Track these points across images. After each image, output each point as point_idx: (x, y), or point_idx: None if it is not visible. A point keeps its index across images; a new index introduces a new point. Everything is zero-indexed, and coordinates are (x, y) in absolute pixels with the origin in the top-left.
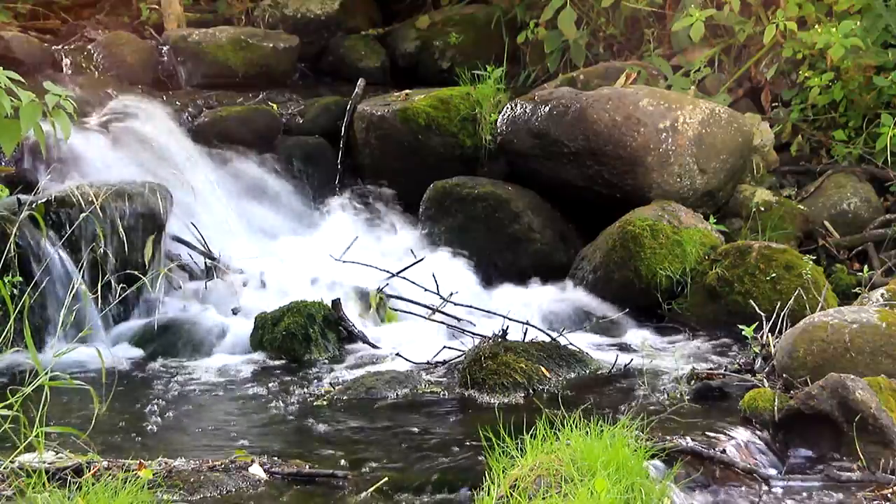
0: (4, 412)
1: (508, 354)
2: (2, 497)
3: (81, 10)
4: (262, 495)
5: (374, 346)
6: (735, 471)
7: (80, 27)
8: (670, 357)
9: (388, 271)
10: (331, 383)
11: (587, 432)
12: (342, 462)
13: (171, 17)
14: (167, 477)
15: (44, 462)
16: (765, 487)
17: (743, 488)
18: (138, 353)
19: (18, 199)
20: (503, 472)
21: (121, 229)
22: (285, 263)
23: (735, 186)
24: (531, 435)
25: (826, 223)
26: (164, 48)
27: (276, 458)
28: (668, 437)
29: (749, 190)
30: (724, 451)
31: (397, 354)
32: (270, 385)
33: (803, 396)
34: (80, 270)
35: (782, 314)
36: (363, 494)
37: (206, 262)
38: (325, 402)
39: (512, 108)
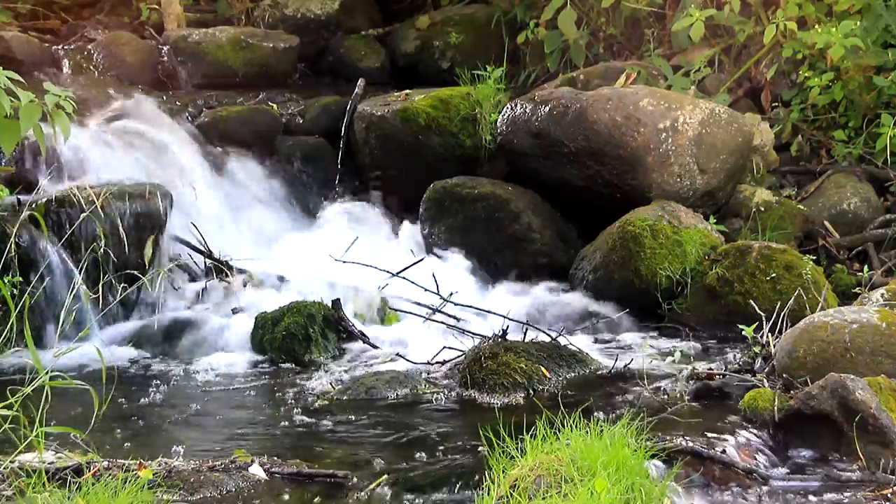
0: (4, 412)
1: (508, 354)
2: (2, 497)
3: (81, 10)
4: (262, 495)
5: (374, 346)
6: (735, 471)
7: (80, 27)
8: (670, 357)
9: (388, 271)
10: (331, 383)
11: (587, 432)
12: (342, 462)
13: (171, 17)
14: (167, 477)
15: (44, 462)
16: (765, 487)
17: (743, 488)
18: (138, 353)
19: (18, 199)
20: (503, 472)
21: (121, 229)
22: (285, 263)
23: (735, 186)
24: (531, 435)
25: (826, 223)
26: (164, 48)
27: (276, 458)
28: (668, 437)
29: (749, 190)
30: (723, 451)
31: (397, 354)
32: (270, 385)
33: (803, 396)
34: (80, 270)
35: (782, 314)
36: (363, 494)
37: (206, 262)
38: (325, 402)
39: (512, 108)
